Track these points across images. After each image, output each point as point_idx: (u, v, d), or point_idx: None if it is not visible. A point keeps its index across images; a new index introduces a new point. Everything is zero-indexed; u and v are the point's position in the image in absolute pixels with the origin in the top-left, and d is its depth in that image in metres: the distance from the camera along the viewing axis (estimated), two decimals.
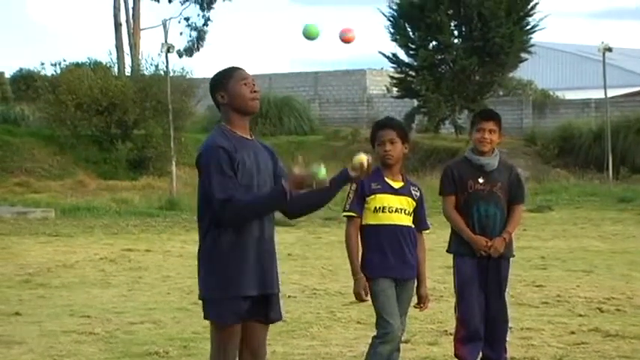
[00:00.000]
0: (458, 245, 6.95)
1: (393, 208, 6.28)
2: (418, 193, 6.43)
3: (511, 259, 7.06)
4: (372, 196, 6.26)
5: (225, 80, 5.19)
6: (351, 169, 5.16)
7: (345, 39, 5.33)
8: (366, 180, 6.09)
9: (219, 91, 5.20)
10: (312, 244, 15.51)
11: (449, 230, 7.13)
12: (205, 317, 5.23)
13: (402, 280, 6.31)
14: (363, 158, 5.12)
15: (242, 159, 5.06)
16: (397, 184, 6.35)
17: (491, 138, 6.91)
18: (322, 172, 4.96)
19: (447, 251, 7.09)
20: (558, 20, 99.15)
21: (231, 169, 5.01)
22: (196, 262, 5.21)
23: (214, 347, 5.23)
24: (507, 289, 7.07)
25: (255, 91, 5.20)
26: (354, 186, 6.21)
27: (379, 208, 6.27)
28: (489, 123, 6.95)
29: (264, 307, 5.19)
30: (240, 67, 5.27)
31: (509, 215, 6.98)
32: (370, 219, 6.27)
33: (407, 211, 6.33)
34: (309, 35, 5.22)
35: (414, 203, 6.38)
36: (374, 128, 6.44)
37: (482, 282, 6.89)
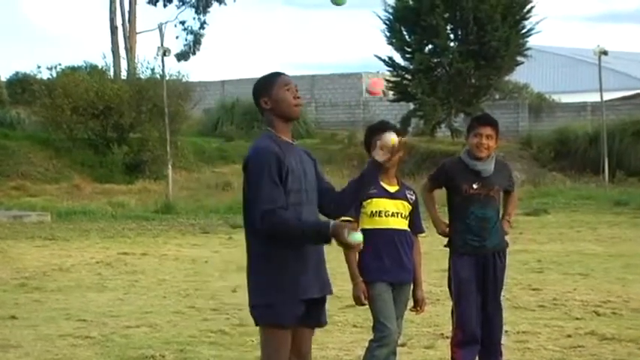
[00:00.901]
0: (454, 244, 6.93)
1: (389, 212, 6.28)
2: (414, 197, 6.43)
3: (507, 250, 7.03)
4: (369, 201, 6.25)
5: (269, 86, 5.16)
6: (380, 149, 5.10)
7: (373, 93, 5.40)
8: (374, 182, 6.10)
9: (262, 97, 5.16)
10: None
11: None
12: (260, 322, 5.07)
13: (398, 283, 6.31)
14: (393, 138, 5.09)
15: (290, 164, 5.02)
16: (393, 188, 6.35)
17: (488, 144, 6.86)
18: (358, 236, 4.92)
19: (445, 245, 7.04)
20: (554, 23, 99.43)
21: (279, 176, 4.95)
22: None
23: (266, 354, 5.09)
24: (503, 292, 7.06)
25: (297, 97, 5.20)
26: None
27: (375, 212, 6.27)
28: (487, 128, 6.90)
29: (315, 310, 5.16)
30: (282, 72, 5.26)
31: (507, 201, 7.03)
32: (366, 223, 6.26)
33: (403, 215, 6.33)
34: (337, 2, 5.26)
35: (410, 207, 6.38)
36: (368, 133, 6.42)
37: (480, 281, 6.88)
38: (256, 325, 5.12)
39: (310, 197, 5.12)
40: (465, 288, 6.87)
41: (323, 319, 5.26)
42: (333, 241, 4.89)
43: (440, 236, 7.03)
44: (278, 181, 4.94)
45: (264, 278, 5.01)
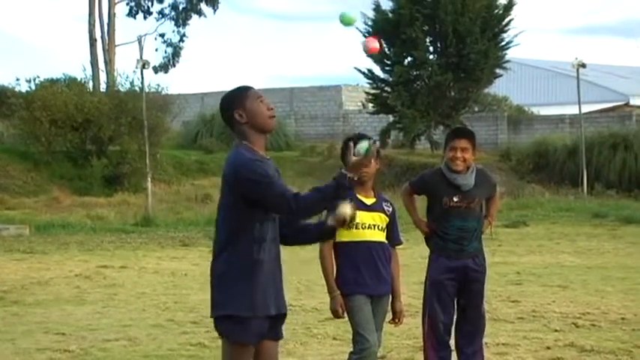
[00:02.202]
0: (434, 247, 6.94)
1: (365, 225, 6.28)
2: (390, 209, 6.44)
3: (485, 260, 7.04)
4: None
5: (242, 99, 5.10)
6: (334, 220, 5.20)
7: (372, 49, 5.38)
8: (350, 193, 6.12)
9: (236, 110, 5.09)
10: (287, 260, 15.44)
11: (424, 246, 7.14)
12: (225, 336, 5.08)
13: (377, 295, 6.31)
14: (364, 145, 5.09)
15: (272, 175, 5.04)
16: (369, 201, 6.35)
17: (464, 156, 6.86)
18: (364, 146, 4.95)
19: (426, 244, 7.06)
20: (533, 36, 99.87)
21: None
22: (210, 279, 5.13)
23: None
24: (484, 301, 7.07)
25: (271, 109, 5.17)
26: None
27: (352, 224, 6.27)
28: (462, 141, 6.90)
29: (275, 325, 5.17)
30: (251, 85, 5.22)
31: (488, 204, 7.05)
32: (343, 236, 6.26)
33: (380, 227, 6.33)
34: (346, 22, 5.24)
35: (387, 219, 6.38)
36: (345, 145, 6.42)
37: (459, 287, 6.88)
38: (221, 337, 5.13)
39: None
40: (437, 292, 6.87)
41: (280, 334, 5.26)
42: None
43: (420, 251, 7.05)
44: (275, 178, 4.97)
45: (232, 294, 5.02)
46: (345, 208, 5.16)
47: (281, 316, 5.18)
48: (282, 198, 4.89)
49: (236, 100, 5.13)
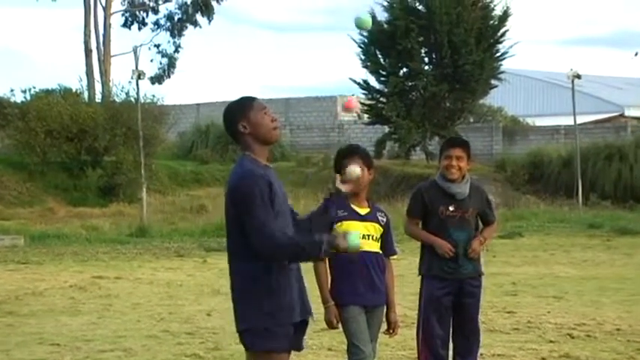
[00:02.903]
0: (427, 268, 6.95)
1: (359, 235, 6.27)
2: (385, 219, 6.44)
3: (482, 277, 7.05)
4: (339, 223, 6.26)
5: (246, 110, 5.09)
6: (342, 182, 5.21)
7: (348, 106, 5.42)
8: (332, 207, 6.13)
9: (240, 122, 5.08)
10: None
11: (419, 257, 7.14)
12: (256, 348, 5.03)
13: (371, 306, 6.30)
14: (355, 170, 5.14)
15: (275, 187, 5.02)
16: (363, 211, 6.36)
17: (459, 165, 6.90)
18: (355, 239, 5.01)
19: (418, 274, 7.07)
20: (528, 47, 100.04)
21: (270, 199, 4.95)
22: (232, 292, 5.06)
23: None
24: (479, 313, 7.07)
25: (275, 120, 5.17)
26: None
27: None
28: (456, 150, 6.94)
29: (299, 334, 5.16)
30: (255, 96, 5.22)
31: (485, 228, 7.04)
32: None
33: (374, 237, 6.33)
34: (361, 26, 5.27)
35: (381, 229, 6.38)
36: (338, 157, 6.43)
37: (454, 305, 6.88)
38: (247, 350, 5.07)
39: (289, 219, 5.14)
40: (433, 305, 6.87)
41: (302, 344, 5.25)
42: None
43: (416, 261, 7.03)
44: (269, 205, 4.92)
45: (256, 305, 4.97)
46: (354, 167, 5.20)
47: (304, 325, 5.17)
48: (260, 229, 4.88)
49: (240, 111, 5.12)
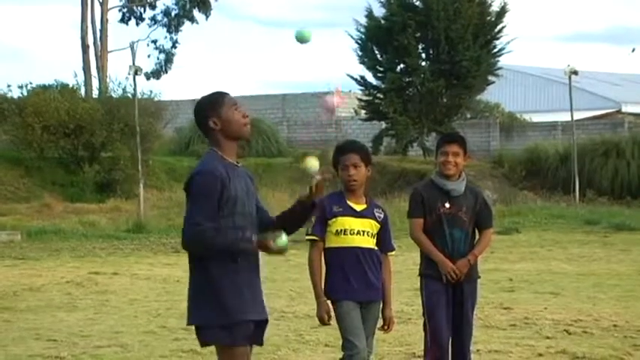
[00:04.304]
0: (426, 268, 6.95)
1: (354, 231, 6.28)
2: (382, 215, 6.44)
3: (478, 280, 7.07)
4: (334, 219, 6.27)
5: (217, 106, 5.13)
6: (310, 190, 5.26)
7: (327, 106, 5.40)
8: (327, 203, 6.18)
9: (211, 117, 5.11)
10: (279, 266, 15.45)
11: (417, 252, 7.14)
12: (212, 343, 5.11)
13: (366, 302, 6.30)
14: (314, 164, 5.21)
15: (234, 187, 5.04)
16: (360, 207, 6.36)
17: (455, 161, 6.90)
18: (283, 240, 5.02)
19: (418, 275, 7.07)
20: (525, 43, 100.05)
21: (219, 200, 4.97)
22: (189, 287, 5.12)
23: None
24: (475, 313, 7.09)
25: (246, 116, 5.19)
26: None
27: (340, 230, 6.28)
28: (452, 146, 6.95)
29: (258, 330, 5.20)
30: (226, 92, 5.23)
31: (479, 239, 7.00)
32: (332, 242, 6.28)
33: (370, 234, 6.33)
34: (302, 39, 5.24)
35: (378, 225, 6.38)
36: (336, 153, 6.44)
37: (450, 305, 6.89)
38: (202, 346, 5.18)
39: (254, 220, 5.16)
40: (436, 301, 6.87)
41: (262, 340, 5.29)
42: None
43: (413, 258, 7.04)
44: (215, 204, 4.95)
45: (213, 302, 5.02)
46: (312, 161, 5.27)
47: (263, 323, 5.20)
48: (188, 220, 4.95)
49: (211, 107, 5.15)
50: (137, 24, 47.28)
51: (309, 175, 5.16)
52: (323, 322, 6.27)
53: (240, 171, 5.16)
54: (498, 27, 34.71)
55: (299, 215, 5.27)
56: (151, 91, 34.87)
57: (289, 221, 5.25)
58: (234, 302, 5.00)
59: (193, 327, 5.16)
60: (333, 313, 6.29)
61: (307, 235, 6.33)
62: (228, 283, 5.00)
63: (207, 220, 4.92)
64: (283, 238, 5.02)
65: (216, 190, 4.95)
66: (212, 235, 4.92)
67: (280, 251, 5.04)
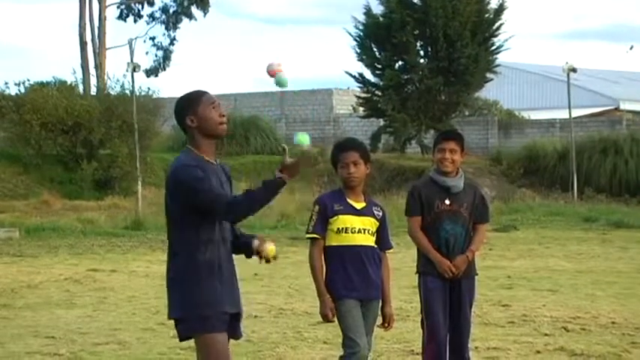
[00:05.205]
0: (424, 265, 6.95)
1: (355, 229, 6.28)
2: (381, 213, 6.44)
3: (475, 277, 7.07)
4: (335, 217, 6.26)
5: (195, 104, 5.19)
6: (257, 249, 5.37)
7: (272, 72, 5.35)
8: (328, 201, 6.19)
9: (188, 115, 5.19)
10: (278, 263, 15.42)
11: (415, 250, 7.14)
12: (191, 335, 5.18)
13: (366, 300, 6.30)
14: (272, 248, 5.37)
15: (209, 181, 5.10)
16: (359, 205, 6.35)
17: (452, 158, 6.90)
18: (306, 140, 5.13)
19: (416, 272, 7.07)
20: (523, 41, 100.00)
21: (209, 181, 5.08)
22: (166, 282, 5.24)
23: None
24: (473, 309, 7.09)
25: (223, 115, 5.23)
26: (317, 207, 6.26)
27: (341, 229, 6.27)
28: (450, 143, 6.94)
29: (234, 322, 5.27)
30: (205, 90, 5.27)
31: (474, 234, 7.00)
32: (333, 240, 6.27)
33: (370, 232, 6.33)
34: (281, 85, 5.29)
35: (377, 223, 6.38)
36: (335, 150, 6.43)
37: (448, 302, 6.89)
38: (180, 340, 5.28)
39: None
40: (434, 297, 6.87)
41: (239, 332, 5.38)
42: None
43: (411, 255, 7.03)
44: (210, 179, 5.08)
45: (189, 294, 5.13)
46: (269, 245, 5.35)
47: (238, 315, 5.29)
48: (213, 203, 5.02)
49: (189, 104, 5.23)
50: (135, 21, 47.31)
51: (299, 147, 5.20)
52: (327, 319, 6.26)
53: (215, 168, 5.24)
54: (496, 24, 34.75)
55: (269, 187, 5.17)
56: (149, 89, 34.88)
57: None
58: (209, 294, 5.10)
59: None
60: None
61: (308, 233, 6.33)
62: (202, 276, 5.10)
63: (221, 192, 5.07)
64: (306, 137, 5.19)
65: (201, 174, 5.05)
66: (243, 194, 5.03)
67: (307, 153, 5.19)
